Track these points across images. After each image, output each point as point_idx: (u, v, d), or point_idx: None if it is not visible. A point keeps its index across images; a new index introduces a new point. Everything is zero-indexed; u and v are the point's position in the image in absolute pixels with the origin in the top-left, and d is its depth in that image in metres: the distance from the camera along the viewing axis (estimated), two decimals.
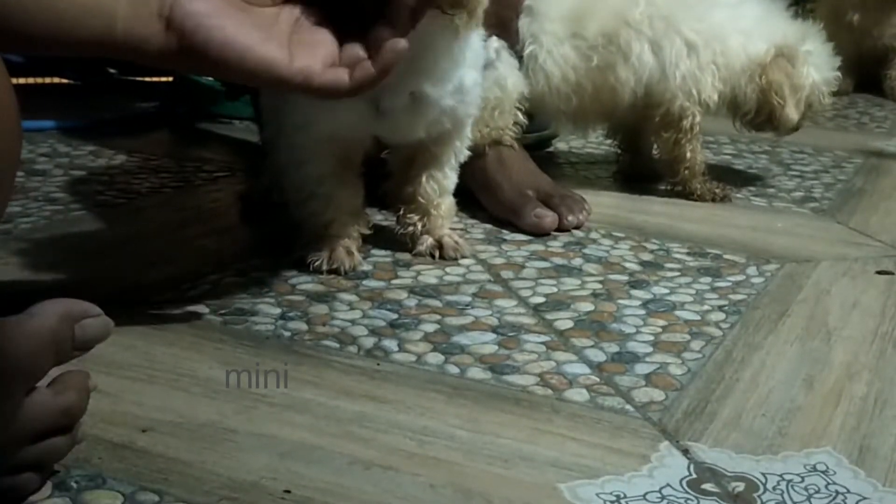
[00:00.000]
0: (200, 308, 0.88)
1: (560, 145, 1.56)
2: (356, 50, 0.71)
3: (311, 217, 0.98)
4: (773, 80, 1.23)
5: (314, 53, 0.70)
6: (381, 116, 0.91)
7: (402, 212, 1.04)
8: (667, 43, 1.21)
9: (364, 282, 0.96)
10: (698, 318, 0.91)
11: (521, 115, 1.19)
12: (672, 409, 0.74)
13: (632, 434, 0.70)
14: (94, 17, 0.65)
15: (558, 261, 1.05)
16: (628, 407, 0.74)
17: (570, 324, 0.89)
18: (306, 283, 0.95)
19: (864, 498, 0.64)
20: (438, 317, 0.89)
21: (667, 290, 0.98)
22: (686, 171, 1.28)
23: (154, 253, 1.03)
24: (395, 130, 0.97)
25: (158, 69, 1.83)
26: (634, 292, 0.97)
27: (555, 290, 0.97)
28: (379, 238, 1.06)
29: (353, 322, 0.87)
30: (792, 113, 1.25)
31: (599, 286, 0.98)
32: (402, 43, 0.71)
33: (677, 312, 0.92)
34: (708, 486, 0.64)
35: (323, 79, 0.70)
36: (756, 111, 1.26)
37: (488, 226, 1.15)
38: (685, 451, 0.68)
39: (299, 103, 0.93)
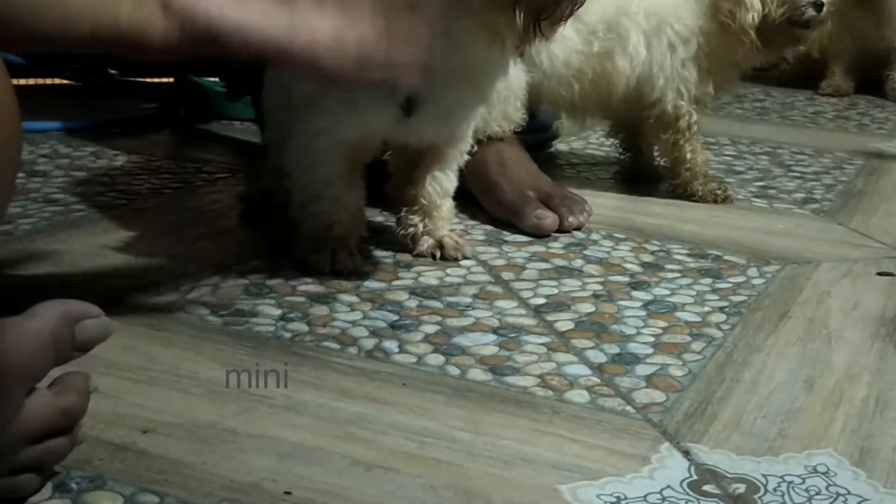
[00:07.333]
0: (201, 309, 0.88)
1: (560, 146, 1.55)
2: (367, 32, 0.74)
3: (315, 217, 0.98)
4: (718, 7, 1.21)
5: (319, 23, 0.72)
6: (409, 121, 0.91)
7: (403, 213, 1.04)
8: (656, 40, 1.22)
9: (365, 283, 0.96)
10: (699, 319, 0.91)
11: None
12: (673, 410, 0.74)
13: (632, 435, 0.70)
14: (98, 13, 0.66)
15: (559, 262, 1.05)
16: (629, 408, 0.74)
17: (570, 325, 0.89)
18: (307, 284, 0.95)
19: (865, 499, 0.64)
20: (439, 318, 0.89)
21: (667, 292, 0.98)
22: (687, 173, 1.28)
23: (154, 254, 1.03)
24: (418, 134, 0.97)
25: (159, 68, 1.84)
26: (635, 293, 0.97)
27: (555, 291, 0.97)
28: (380, 239, 1.06)
29: (353, 323, 0.87)
30: (747, 9, 1.19)
31: (600, 287, 0.98)
32: (429, 75, 0.76)
33: (678, 314, 0.92)
34: (708, 488, 0.64)
35: (328, 61, 0.73)
36: (749, 41, 1.22)
37: (489, 227, 1.15)
38: (686, 453, 0.68)
39: (324, 108, 0.92)
